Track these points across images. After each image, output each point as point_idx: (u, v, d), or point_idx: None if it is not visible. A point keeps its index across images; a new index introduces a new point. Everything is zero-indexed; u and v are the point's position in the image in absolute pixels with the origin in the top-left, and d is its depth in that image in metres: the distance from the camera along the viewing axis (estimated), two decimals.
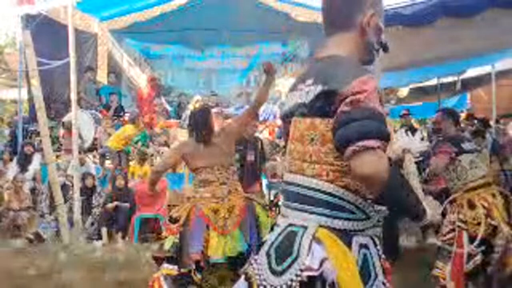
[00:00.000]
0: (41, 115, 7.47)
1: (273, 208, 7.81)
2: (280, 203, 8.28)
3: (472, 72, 12.88)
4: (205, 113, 4.58)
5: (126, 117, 11.80)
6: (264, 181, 7.68)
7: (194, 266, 4.06)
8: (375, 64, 2.28)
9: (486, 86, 13.00)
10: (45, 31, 9.66)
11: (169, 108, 12.60)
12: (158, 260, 4.26)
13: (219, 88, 14.37)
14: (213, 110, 7.28)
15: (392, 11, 6.56)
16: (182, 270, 4.06)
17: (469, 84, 13.43)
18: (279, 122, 10.82)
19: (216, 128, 4.54)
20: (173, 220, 4.24)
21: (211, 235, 4.11)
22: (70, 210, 7.96)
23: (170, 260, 4.16)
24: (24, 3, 7.96)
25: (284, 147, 2.08)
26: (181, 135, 10.69)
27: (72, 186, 8.04)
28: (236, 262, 4.21)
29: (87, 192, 8.42)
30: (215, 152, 4.34)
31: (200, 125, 4.42)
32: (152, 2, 13.65)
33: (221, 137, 4.42)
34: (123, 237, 7.72)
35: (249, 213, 4.29)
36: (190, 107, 11.61)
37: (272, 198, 8.10)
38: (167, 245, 4.17)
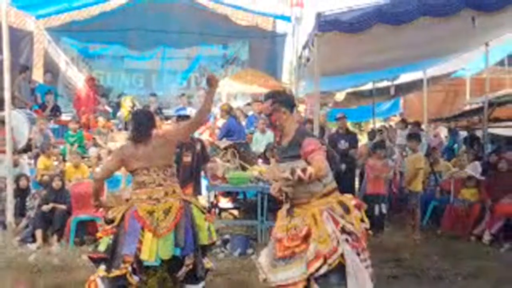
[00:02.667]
0: None
1: (212, 210, 7.87)
2: (219, 204, 8.36)
3: (405, 78, 13.38)
4: (146, 115, 4.60)
5: (63, 117, 11.56)
6: (204, 182, 7.71)
7: (129, 268, 4.04)
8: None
9: (418, 92, 13.54)
10: None
11: (109, 109, 12.39)
12: (95, 262, 4.23)
13: (159, 89, 14.26)
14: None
15: (330, 17, 6.73)
16: (115, 271, 4.03)
17: (402, 89, 13.94)
18: (219, 123, 10.88)
19: (155, 130, 4.53)
20: (109, 221, 4.24)
21: (145, 237, 4.10)
22: (3, 212, 7.71)
23: (106, 261, 4.14)
24: None
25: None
26: (119, 137, 10.57)
27: (5, 187, 7.80)
28: (174, 265, 4.24)
29: (21, 194, 8.18)
30: (152, 154, 4.34)
31: (140, 126, 4.42)
32: (92, 1, 13.40)
33: (160, 141, 4.42)
34: (59, 240, 7.54)
35: (185, 215, 4.28)
36: (122, 109, 11.50)
37: (212, 199, 8.14)
38: (102, 246, 4.18)
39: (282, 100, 3.98)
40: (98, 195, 4.56)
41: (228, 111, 10.50)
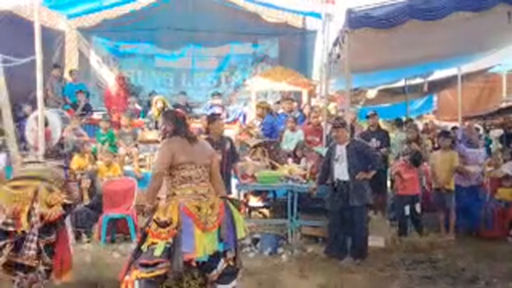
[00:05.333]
0: (6, 113, 7.32)
1: (242, 208, 7.84)
2: (249, 203, 8.33)
3: (438, 74, 13.11)
4: (183, 112, 4.76)
5: (94, 115, 11.67)
6: (234, 181, 7.69)
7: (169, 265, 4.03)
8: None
9: (452, 89, 13.26)
10: (11, 28, 9.48)
11: (139, 108, 12.48)
12: (146, 267, 4.07)
13: (189, 88, 14.33)
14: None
15: (360, 14, 6.63)
16: (155, 271, 4.01)
17: (435, 86, 13.66)
18: (256, 122, 10.86)
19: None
20: (163, 224, 4.12)
21: (196, 232, 4.10)
22: None
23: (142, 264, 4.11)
24: None
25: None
26: (149, 135, 10.63)
27: None
28: (207, 263, 4.20)
29: None
30: (198, 150, 4.44)
31: (185, 124, 4.55)
32: (122, 0, 13.51)
33: (202, 142, 4.65)
34: (88, 238, 7.62)
35: (226, 211, 4.33)
36: (153, 107, 11.56)
37: (242, 198, 8.10)
38: (158, 251, 4.05)
39: None
40: (156, 193, 4.44)
41: (268, 109, 10.54)
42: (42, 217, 4.80)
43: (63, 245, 5.08)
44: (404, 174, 7.83)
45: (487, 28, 7.06)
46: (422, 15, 6.40)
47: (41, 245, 4.83)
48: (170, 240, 4.06)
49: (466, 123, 12.69)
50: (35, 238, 4.77)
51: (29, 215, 4.77)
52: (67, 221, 5.14)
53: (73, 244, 7.24)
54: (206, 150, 4.57)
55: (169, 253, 4.05)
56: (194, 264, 4.13)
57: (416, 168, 7.94)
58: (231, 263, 4.32)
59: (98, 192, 8.12)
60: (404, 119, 12.56)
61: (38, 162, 5.51)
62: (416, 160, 7.90)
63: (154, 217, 4.20)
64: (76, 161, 8.89)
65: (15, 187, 4.94)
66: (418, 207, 7.74)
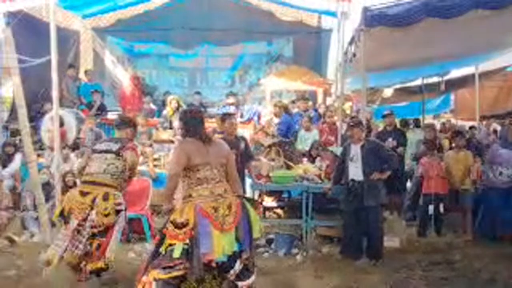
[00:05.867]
0: (22, 113, 7.36)
1: (257, 207, 7.81)
2: (264, 203, 8.29)
3: (456, 73, 12.98)
4: (199, 113, 4.74)
5: (109, 115, 11.69)
6: (249, 181, 7.66)
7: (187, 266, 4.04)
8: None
9: (470, 87, 13.12)
10: (26, 29, 9.53)
11: (154, 108, 12.51)
12: (165, 268, 4.09)
13: (204, 87, 14.32)
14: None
15: (376, 12, 6.57)
16: (173, 272, 4.02)
17: (453, 85, 13.53)
18: (263, 121, 10.83)
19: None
20: (180, 225, 4.13)
21: (214, 233, 4.11)
22: (52, 208, 7.84)
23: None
24: (5, 0, 7.83)
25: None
26: (163, 134, 10.63)
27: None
28: (225, 263, 4.19)
29: (68, 191, 8.28)
30: (213, 151, 4.43)
31: (199, 123, 4.54)
32: (136, 0, 13.55)
33: (217, 142, 4.61)
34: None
35: (243, 211, 4.32)
36: (167, 107, 11.56)
37: (256, 198, 8.07)
38: (177, 253, 4.06)
39: None
40: (173, 194, 4.48)
41: (285, 108, 10.51)
42: (94, 226, 5.14)
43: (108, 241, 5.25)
44: (429, 171, 7.76)
45: (505, 26, 6.95)
46: (439, 13, 6.33)
47: (94, 245, 5.19)
48: (188, 241, 4.07)
49: (506, 122, 12.50)
50: (84, 240, 5.12)
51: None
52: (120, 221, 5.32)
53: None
54: (222, 150, 4.55)
55: (188, 254, 4.06)
56: (214, 265, 4.14)
57: (439, 162, 7.85)
58: (246, 262, 4.31)
59: None
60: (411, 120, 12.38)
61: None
62: (431, 145, 7.85)
63: (171, 218, 4.21)
64: None
65: (81, 193, 5.28)
66: (441, 207, 7.63)
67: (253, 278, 4.41)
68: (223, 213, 4.17)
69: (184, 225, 4.11)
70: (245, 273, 4.32)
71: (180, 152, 4.40)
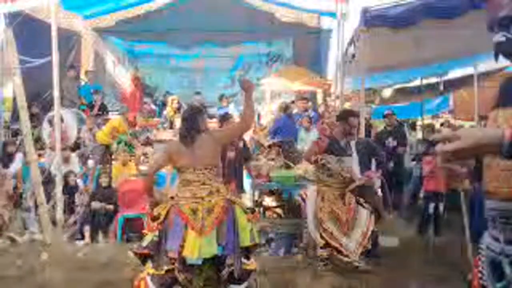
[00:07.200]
0: (23, 113, 7.39)
1: (257, 209, 7.83)
2: (264, 203, 8.33)
3: (455, 74, 12.99)
4: (194, 113, 4.60)
5: (109, 116, 11.73)
6: (249, 181, 7.68)
7: (176, 265, 4.07)
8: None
9: (469, 87, 13.13)
10: (27, 29, 9.56)
11: (154, 108, 12.55)
12: (140, 257, 4.28)
13: (204, 88, 14.34)
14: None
15: (376, 13, 6.60)
16: (164, 268, 4.08)
17: (452, 85, 13.55)
18: (262, 122, 10.85)
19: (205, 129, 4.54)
20: (154, 218, 4.28)
21: (189, 234, 4.10)
22: (53, 208, 7.89)
23: (153, 259, 4.17)
24: (6, 1, 7.86)
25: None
26: (163, 135, 10.67)
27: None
28: (219, 264, 4.21)
29: (70, 191, 8.35)
30: (199, 152, 4.35)
31: (187, 124, 4.48)
32: (137, 1, 13.57)
33: (207, 140, 4.43)
34: (105, 237, 7.67)
35: (228, 215, 4.24)
36: (168, 107, 11.59)
37: (256, 198, 8.10)
38: (145, 241, 4.23)
39: None
40: (151, 190, 4.60)
41: (284, 109, 10.51)
42: None
43: None
44: (426, 166, 7.81)
45: None
46: (438, 14, 6.34)
47: None
48: (156, 234, 4.21)
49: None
50: None
51: None
52: None
53: (89, 243, 7.34)
54: (209, 149, 4.40)
55: (156, 248, 4.17)
56: (180, 265, 4.10)
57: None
58: (232, 269, 4.17)
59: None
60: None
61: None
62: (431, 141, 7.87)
63: (150, 212, 4.44)
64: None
65: None
66: (441, 207, 7.66)
67: (244, 285, 4.31)
68: (202, 216, 4.14)
69: (156, 218, 4.26)
70: (235, 279, 4.24)
71: (164, 153, 4.54)
